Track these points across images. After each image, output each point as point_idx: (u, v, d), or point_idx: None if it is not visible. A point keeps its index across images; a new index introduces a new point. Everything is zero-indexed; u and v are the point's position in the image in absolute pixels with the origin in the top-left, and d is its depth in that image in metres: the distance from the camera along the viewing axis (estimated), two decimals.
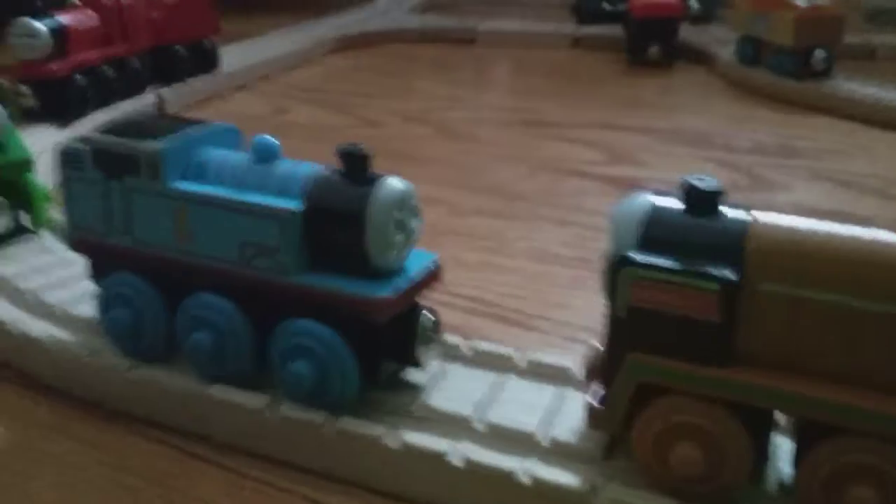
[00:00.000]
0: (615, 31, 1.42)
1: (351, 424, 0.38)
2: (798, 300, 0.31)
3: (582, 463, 0.36)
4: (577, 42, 1.43)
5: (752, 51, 1.14)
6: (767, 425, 0.34)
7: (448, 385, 0.41)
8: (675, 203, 0.34)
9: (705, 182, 0.33)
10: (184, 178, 0.41)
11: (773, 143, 0.89)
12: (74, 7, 0.89)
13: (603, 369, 0.35)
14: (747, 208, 0.33)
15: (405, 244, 0.39)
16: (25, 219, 0.58)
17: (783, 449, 0.35)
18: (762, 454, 0.34)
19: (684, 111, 1.04)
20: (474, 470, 0.36)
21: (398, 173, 0.39)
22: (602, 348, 0.35)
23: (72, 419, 0.43)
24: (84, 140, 0.42)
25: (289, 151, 0.41)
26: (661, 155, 0.87)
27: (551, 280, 0.59)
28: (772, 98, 1.05)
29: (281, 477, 0.39)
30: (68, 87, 0.85)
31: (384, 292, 0.37)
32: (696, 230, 0.33)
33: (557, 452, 0.36)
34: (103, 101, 0.90)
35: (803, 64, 1.02)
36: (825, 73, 1.03)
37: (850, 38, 1.11)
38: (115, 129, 0.43)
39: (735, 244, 0.32)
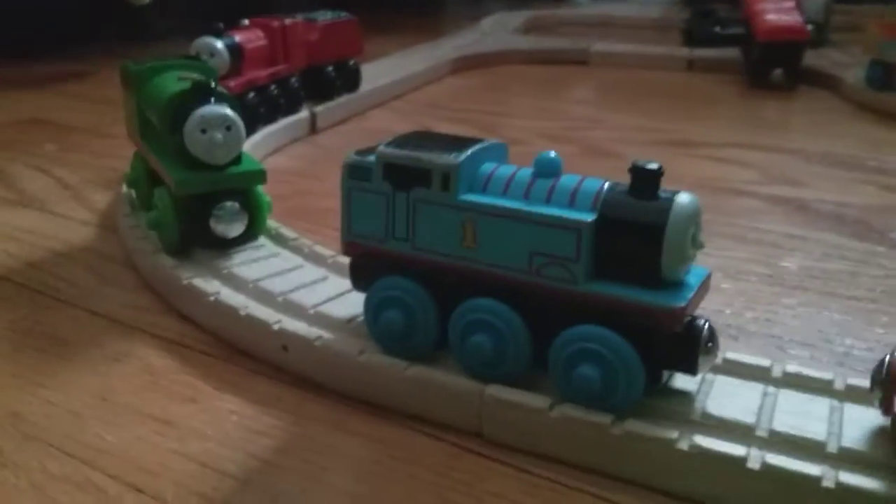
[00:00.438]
0: (729, 53, 1.44)
1: (639, 427, 0.40)
2: None
3: (877, 469, 0.37)
4: (691, 64, 1.45)
5: (883, 75, 1.15)
6: None
7: (717, 393, 0.42)
8: None
9: None
10: (470, 190, 0.43)
11: None
12: (246, 28, 0.94)
13: None
14: None
15: (694, 258, 0.41)
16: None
17: None
18: None
19: (824, 134, 1.04)
20: (772, 473, 0.37)
21: None
22: None
23: (346, 414, 0.46)
24: (369, 154, 0.45)
25: None
26: (817, 176, 0.87)
27: (752, 296, 0.60)
28: None
29: (565, 475, 0.41)
30: (242, 104, 0.89)
31: (680, 302, 0.39)
32: None
33: (848, 460, 0.38)
34: (270, 119, 0.94)
35: None
36: None
37: None
38: (397, 145, 0.45)
39: None
